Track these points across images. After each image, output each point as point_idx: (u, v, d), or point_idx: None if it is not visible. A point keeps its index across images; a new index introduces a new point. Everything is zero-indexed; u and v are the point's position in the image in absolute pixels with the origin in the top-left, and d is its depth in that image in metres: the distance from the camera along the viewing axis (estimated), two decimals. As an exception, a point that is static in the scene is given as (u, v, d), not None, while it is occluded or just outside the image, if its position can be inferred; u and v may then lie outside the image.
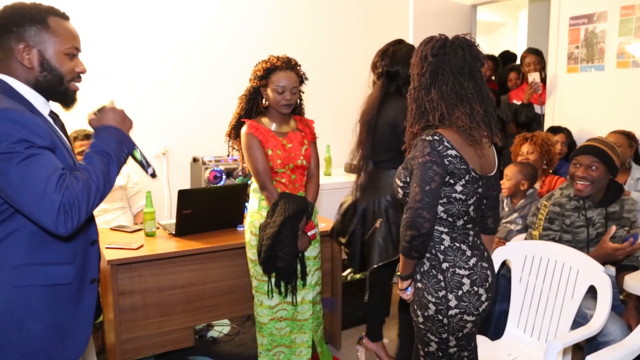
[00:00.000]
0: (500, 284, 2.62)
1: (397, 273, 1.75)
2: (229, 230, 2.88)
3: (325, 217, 3.27)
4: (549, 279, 2.29)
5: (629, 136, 3.26)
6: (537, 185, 3.19)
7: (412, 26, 4.12)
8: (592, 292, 2.15)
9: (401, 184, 1.70)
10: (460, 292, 1.64)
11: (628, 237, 2.32)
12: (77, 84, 1.48)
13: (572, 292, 2.18)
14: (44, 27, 1.38)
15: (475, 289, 1.65)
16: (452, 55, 1.63)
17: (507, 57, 5.39)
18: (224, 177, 3.41)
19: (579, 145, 2.69)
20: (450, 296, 1.64)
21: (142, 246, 2.58)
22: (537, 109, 4.20)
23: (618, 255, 2.30)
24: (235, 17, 3.90)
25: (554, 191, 2.65)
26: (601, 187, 2.47)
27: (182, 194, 2.64)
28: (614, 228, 2.36)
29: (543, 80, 4.13)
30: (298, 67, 2.42)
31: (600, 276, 2.10)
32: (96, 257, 1.55)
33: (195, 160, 3.63)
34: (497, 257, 2.42)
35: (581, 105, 3.85)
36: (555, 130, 3.80)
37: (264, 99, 2.43)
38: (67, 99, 1.48)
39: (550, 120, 4.06)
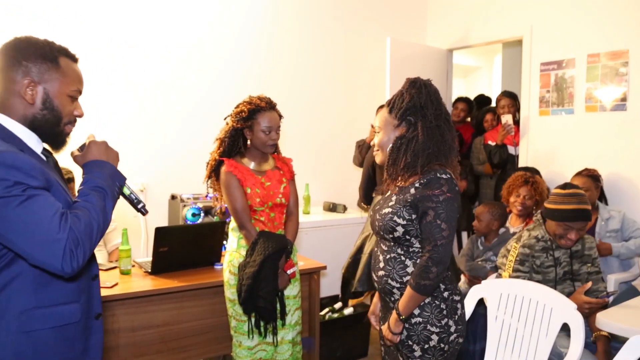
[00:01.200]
0: (478, 323, 2.64)
1: (401, 317, 1.72)
2: (206, 268, 2.85)
3: (305, 255, 3.27)
4: (524, 317, 2.30)
5: (594, 177, 3.35)
6: (517, 227, 3.22)
7: (389, 69, 4.24)
8: (566, 329, 2.17)
9: (403, 222, 1.72)
10: (456, 317, 1.76)
11: (604, 296, 2.42)
12: (71, 127, 1.45)
13: (547, 329, 2.20)
14: (54, 66, 1.36)
15: (464, 311, 1.81)
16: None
17: (481, 100, 5.57)
18: (202, 214, 3.40)
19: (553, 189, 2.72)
20: (450, 322, 1.73)
21: (116, 284, 2.53)
22: (511, 149, 4.32)
23: (585, 308, 2.35)
24: (217, 57, 3.97)
25: (522, 232, 2.71)
26: None
27: (159, 231, 2.63)
28: (589, 284, 2.47)
29: (517, 122, 4.26)
30: (276, 107, 2.47)
31: (573, 314, 2.12)
32: (98, 292, 1.52)
33: (173, 197, 3.62)
34: (473, 295, 2.43)
35: (553, 146, 3.98)
36: (525, 171, 3.89)
37: (247, 140, 2.44)
38: (60, 140, 1.44)
39: (524, 160, 4.17)
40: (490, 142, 4.36)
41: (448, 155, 1.74)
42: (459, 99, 5.09)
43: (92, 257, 1.48)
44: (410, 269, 1.75)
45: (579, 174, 3.39)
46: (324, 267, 3.02)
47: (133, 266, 2.81)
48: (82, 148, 1.47)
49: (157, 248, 2.64)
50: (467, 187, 4.12)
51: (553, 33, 3.93)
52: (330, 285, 3.85)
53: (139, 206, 1.53)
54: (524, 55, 4.14)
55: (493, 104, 5.37)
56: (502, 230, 3.11)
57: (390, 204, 1.76)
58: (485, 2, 4.45)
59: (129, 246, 2.72)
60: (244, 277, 2.27)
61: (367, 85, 4.67)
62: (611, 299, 2.74)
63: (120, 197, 1.49)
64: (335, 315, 3.61)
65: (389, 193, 1.84)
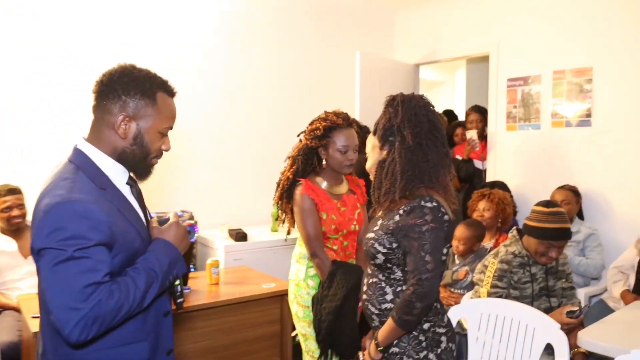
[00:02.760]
0: (459, 344, 2.58)
1: (379, 347, 1.63)
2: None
3: (274, 276, 3.15)
4: (505, 338, 2.26)
5: (575, 192, 3.41)
6: (489, 243, 3.23)
7: (358, 83, 4.20)
8: (547, 349, 2.14)
9: (384, 250, 1.61)
10: (439, 350, 1.62)
11: (579, 314, 2.38)
12: (157, 160, 1.45)
13: (530, 350, 2.16)
14: (150, 103, 1.36)
15: (450, 345, 1.66)
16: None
17: (448, 115, 5.62)
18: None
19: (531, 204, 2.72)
20: (431, 355, 1.61)
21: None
22: (478, 164, 4.35)
23: (564, 328, 2.34)
24: (189, 71, 3.82)
25: (499, 248, 2.69)
26: None
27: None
28: (568, 307, 2.44)
29: (485, 137, 4.30)
30: (354, 123, 2.29)
31: (556, 334, 2.10)
32: (170, 328, 1.49)
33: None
34: (452, 315, 2.38)
35: (520, 161, 4.03)
36: (492, 185, 3.92)
37: (323, 160, 2.25)
38: (145, 172, 1.44)
39: (491, 175, 4.20)
40: (458, 157, 4.38)
41: (434, 175, 1.60)
42: (427, 114, 5.09)
43: (163, 293, 1.44)
44: (389, 297, 1.65)
45: (561, 187, 3.44)
46: (297, 288, 2.91)
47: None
48: (162, 222, 1.46)
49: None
50: None
51: (519, 49, 3.99)
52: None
53: (178, 300, 1.52)
54: (491, 71, 4.19)
55: (460, 119, 5.42)
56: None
57: (375, 228, 1.67)
58: (451, 19, 4.49)
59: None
60: (322, 313, 2.06)
61: (336, 99, 4.60)
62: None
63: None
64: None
65: (376, 215, 1.74)
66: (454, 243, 3.09)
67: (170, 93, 1.43)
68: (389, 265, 1.63)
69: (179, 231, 1.43)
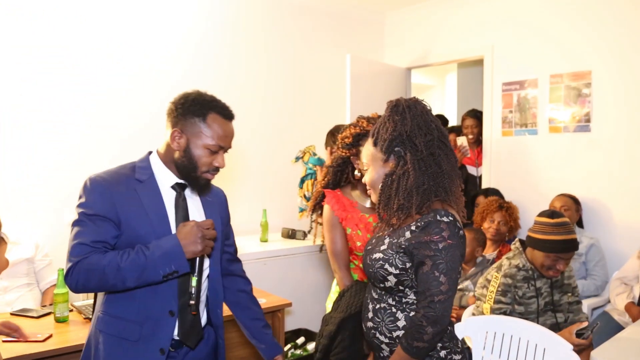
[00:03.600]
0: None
1: None
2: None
3: (264, 289, 2.99)
4: (513, 358, 2.13)
5: (575, 200, 3.31)
6: (491, 254, 3.10)
7: (349, 87, 4.07)
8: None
9: (396, 271, 1.46)
10: None
11: (589, 333, 2.25)
12: (211, 175, 1.60)
13: (540, 372, 2.03)
14: (202, 120, 1.53)
15: None
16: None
17: (440, 120, 5.51)
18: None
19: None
20: None
21: (50, 336, 2.15)
22: (472, 170, 4.25)
23: (574, 349, 2.22)
24: (172, 73, 3.65)
25: (502, 261, 2.56)
26: None
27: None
28: (577, 325, 2.30)
29: (480, 142, 4.20)
30: None
31: (569, 355, 1.97)
32: (171, 329, 1.56)
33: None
34: (457, 333, 2.24)
35: (516, 167, 3.92)
36: (487, 191, 3.82)
37: (355, 170, 2.08)
38: (197, 185, 1.60)
39: (487, 180, 4.09)
40: (452, 163, 4.28)
41: (448, 187, 1.48)
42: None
43: (169, 293, 1.55)
44: (401, 323, 1.50)
45: (561, 195, 3.34)
46: (289, 304, 2.75)
47: (71, 311, 2.45)
48: (184, 223, 1.56)
49: (100, 291, 2.29)
50: None
51: (514, 53, 3.89)
52: (291, 319, 3.57)
53: (190, 302, 1.55)
54: (485, 75, 4.08)
55: (451, 124, 5.33)
56: (479, 258, 2.96)
57: (382, 247, 1.52)
58: (444, 21, 4.38)
59: (65, 289, 2.34)
60: (322, 333, 1.94)
61: (327, 105, 4.47)
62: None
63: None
64: (299, 351, 3.35)
65: (380, 233, 1.59)
66: None
67: (225, 115, 1.57)
68: (400, 287, 1.49)
69: (191, 231, 1.47)
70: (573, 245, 2.34)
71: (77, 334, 2.22)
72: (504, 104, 3.96)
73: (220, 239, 1.70)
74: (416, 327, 1.41)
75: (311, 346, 3.34)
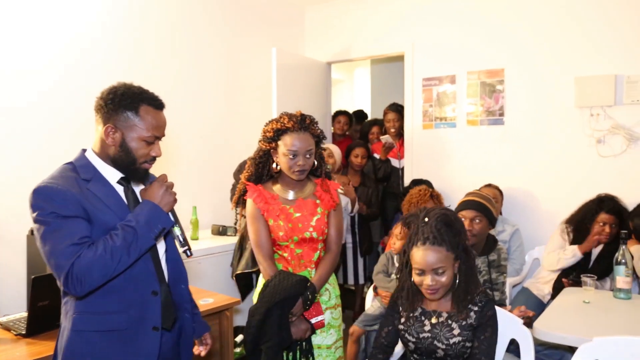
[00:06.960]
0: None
1: None
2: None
3: (207, 288, 2.87)
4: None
5: (500, 191, 3.56)
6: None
7: (275, 80, 4.03)
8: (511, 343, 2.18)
9: (470, 344, 1.91)
10: None
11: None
12: (149, 165, 1.64)
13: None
14: (134, 114, 1.56)
15: None
16: None
17: (359, 115, 5.67)
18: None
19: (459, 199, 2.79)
20: None
21: (-23, 358, 1.89)
22: (395, 162, 4.41)
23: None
24: (88, 63, 3.34)
25: None
26: (483, 237, 2.62)
27: (37, 281, 2.04)
28: (531, 313, 2.47)
29: (401, 135, 4.37)
30: (314, 126, 2.12)
31: (520, 329, 2.13)
32: (158, 307, 1.61)
33: (33, 232, 2.90)
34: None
35: (437, 159, 4.14)
36: (417, 182, 3.99)
37: (274, 163, 2.16)
38: (137, 176, 1.65)
39: (409, 172, 4.27)
40: (375, 155, 4.41)
41: None
42: (340, 113, 5.09)
43: (152, 276, 1.61)
44: None
45: (488, 185, 3.57)
46: (238, 302, 2.68)
47: (-4, 328, 2.17)
48: (150, 184, 1.66)
49: (35, 302, 2.05)
50: (372, 211, 4.14)
51: (434, 50, 4.10)
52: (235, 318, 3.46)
53: (183, 249, 1.68)
54: (406, 70, 4.25)
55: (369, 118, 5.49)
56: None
57: (455, 332, 1.87)
58: (365, 18, 4.49)
59: (-10, 304, 2.07)
60: (250, 325, 2.02)
61: (255, 98, 4.39)
62: (507, 302, 2.86)
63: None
64: (238, 350, 3.26)
65: (435, 320, 1.92)
66: (392, 240, 3.05)
67: (156, 106, 1.62)
68: (465, 356, 1.89)
69: (156, 189, 1.59)
70: (475, 205, 2.58)
71: (6, 353, 1.97)
72: (425, 98, 4.17)
73: None
74: None
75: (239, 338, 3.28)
